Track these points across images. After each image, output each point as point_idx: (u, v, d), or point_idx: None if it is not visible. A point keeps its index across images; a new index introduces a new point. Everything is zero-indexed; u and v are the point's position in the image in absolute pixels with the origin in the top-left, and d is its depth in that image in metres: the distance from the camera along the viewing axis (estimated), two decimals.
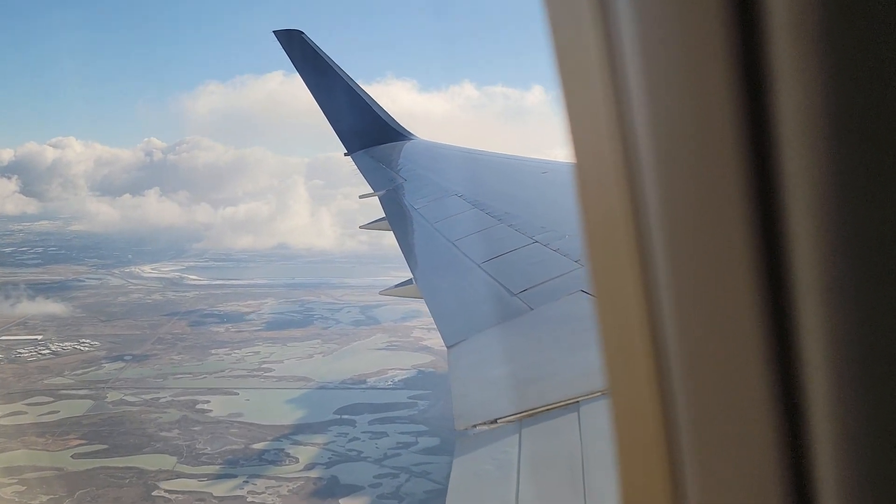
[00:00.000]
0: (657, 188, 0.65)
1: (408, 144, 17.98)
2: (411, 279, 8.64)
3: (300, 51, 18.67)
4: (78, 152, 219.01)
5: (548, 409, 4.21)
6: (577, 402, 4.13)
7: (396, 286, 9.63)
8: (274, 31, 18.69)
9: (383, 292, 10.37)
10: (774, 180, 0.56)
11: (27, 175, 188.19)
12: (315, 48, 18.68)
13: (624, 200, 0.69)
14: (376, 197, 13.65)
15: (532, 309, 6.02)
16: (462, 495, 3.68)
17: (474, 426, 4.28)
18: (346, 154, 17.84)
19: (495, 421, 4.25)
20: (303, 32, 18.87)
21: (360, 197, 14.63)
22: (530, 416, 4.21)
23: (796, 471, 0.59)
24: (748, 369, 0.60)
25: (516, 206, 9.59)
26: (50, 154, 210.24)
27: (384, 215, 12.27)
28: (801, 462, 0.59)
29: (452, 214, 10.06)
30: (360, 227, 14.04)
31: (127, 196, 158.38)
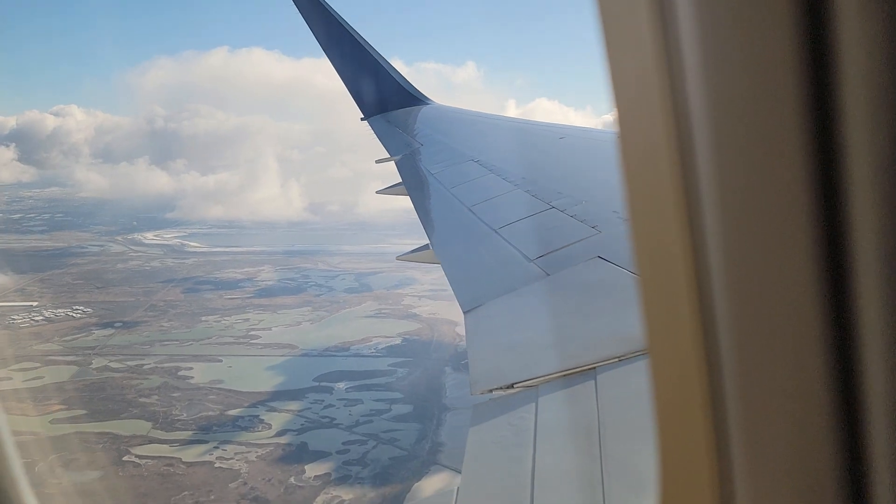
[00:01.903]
0: (712, 176, 0.62)
1: (424, 109, 17.85)
2: (426, 245, 8.64)
3: (316, 14, 18.39)
4: (79, 120, 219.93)
5: (564, 375, 4.19)
6: (594, 367, 4.12)
7: (413, 251, 9.57)
8: None
9: (400, 258, 10.12)
10: (838, 173, 0.54)
11: (29, 143, 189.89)
12: (330, 9, 18.37)
13: (676, 188, 0.67)
14: (390, 162, 13.59)
15: (549, 275, 6.01)
16: (478, 459, 3.67)
17: (490, 391, 4.30)
18: (362, 119, 17.75)
19: (511, 386, 4.26)
20: None
21: (377, 161, 14.47)
22: (547, 382, 4.20)
23: (852, 474, 0.58)
24: (805, 369, 0.59)
25: (533, 172, 9.50)
26: (51, 122, 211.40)
27: (400, 180, 12.17)
28: (857, 465, 0.57)
29: (469, 180, 10.04)
30: (377, 192, 13.90)
31: (127, 163, 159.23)
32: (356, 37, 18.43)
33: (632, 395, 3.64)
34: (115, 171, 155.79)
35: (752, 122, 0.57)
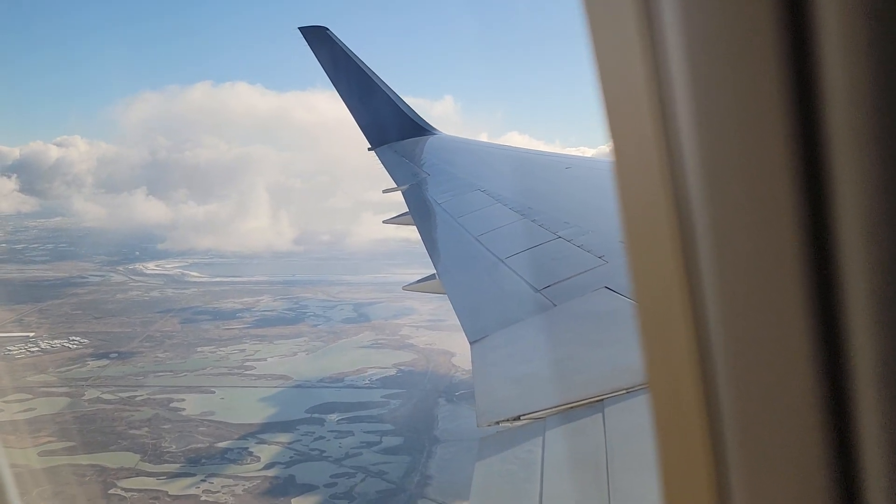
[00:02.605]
0: (701, 186, 0.64)
1: (431, 139, 18.06)
2: (433, 275, 8.67)
3: (324, 47, 18.66)
4: (82, 151, 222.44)
5: (571, 407, 4.16)
6: (602, 399, 4.07)
7: (419, 281, 9.67)
8: (299, 28, 18.76)
9: (406, 287, 10.32)
10: (824, 180, 0.54)
11: (32, 173, 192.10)
12: (339, 43, 18.65)
13: (667, 198, 0.69)
14: (395, 192, 13.81)
15: (556, 305, 5.98)
16: (485, 489, 3.66)
17: (497, 423, 4.28)
18: (369, 149, 17.92)
19: (518, 418, 4.23)
20: (327, 28, 18.87)
21: (384, 191, 14.69)
22: (554, 414, 4.17)
23: (844, 478, 0.58)
24: (796, 374, 0.60)
25: (540, 202, 9.56)
26: (55, 153, 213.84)
27: (406, 210, 12.31)
28: (849, 470, 0.58)
29: (476, 209, 10.08)
30: (384, 222, 14.13)
31: (128, 194, 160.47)
32: (364, 68, 18.73)
33: (640, 427, 3.61)
34: (118, 201, 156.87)
35: (740, 134, 0.59)
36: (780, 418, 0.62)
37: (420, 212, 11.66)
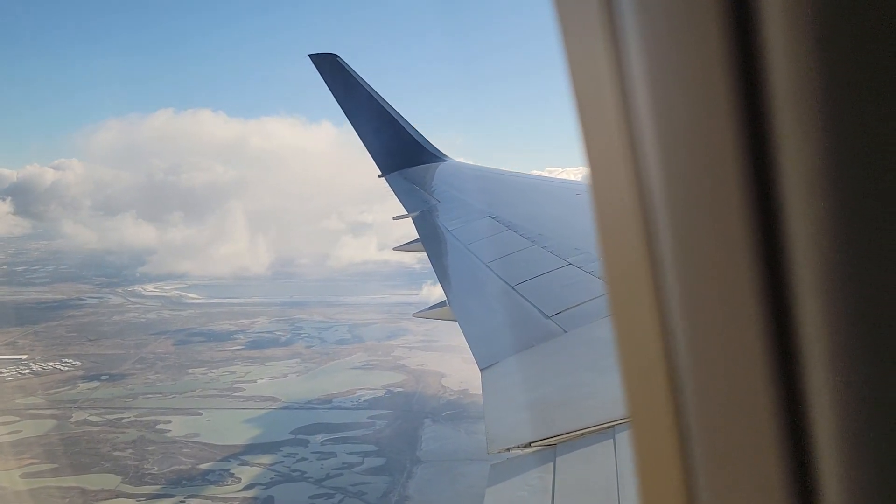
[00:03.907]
0: (662, 192, 0.66)
1: (441, 166, 18.14)
2: (443, 301, 8.66)
3: (334, 73, 18.88)
4: (79, 174, 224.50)
5: (582, 434, 4.15)
6: (613, 426, 4.07)
7: (430, 308, 9.68)
8: (309, 55, 18.95)
9: (417, 315, 10.37)
10: (773, 182, 0.56)
11: (29, 196, 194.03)
12: (350, 70, 18.87)
13: (634, 207, 0.70)
14: (405, 218, 13.77)
15: (566, 332, 5.99)
16: None
17: (507, 449, 4.28)
18: (380, 176, 18.03)
19: (529, 444, 4.24)
20: (337, 56, 19.06)
21: (395, 218, 14.67)
22: (565, 440, 4.16)
23: (801, 474, 0.60)
24: (751, 374, 0.61)
25: (550, 228, 9.61)
26: (51, 175, 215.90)
27: (418, 237, 12.29)
28: (805, 465, 0.59)
29: (486, 236, 10.11)
30: (394, 249, 14.11)
31: (128, 215, 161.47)
32: (374, 95, 18.97)
33: None
34: (117, 223, 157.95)
35: (693, 137, 0.61)
36: (736, 416, 0.64)
37: (430, 239, 11.70)
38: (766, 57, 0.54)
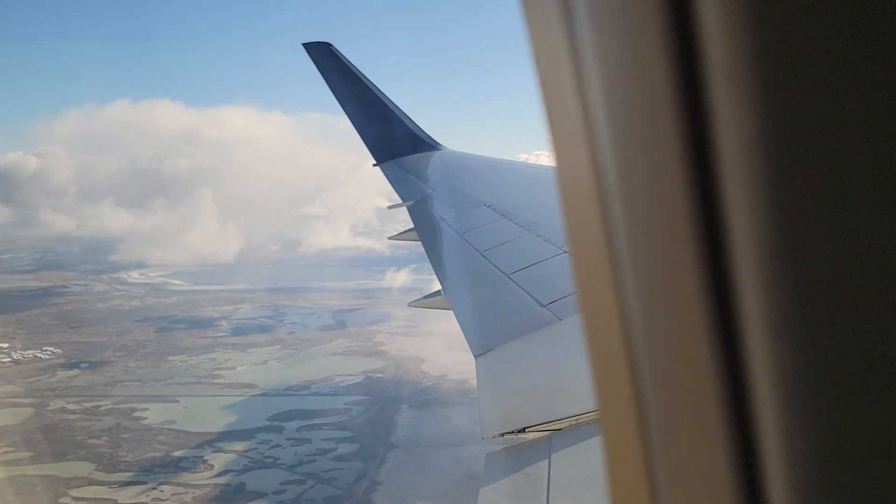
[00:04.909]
0: (615, 186, 0.67)
1: (436, 155, 18.13)
2: (438, 291, 8.74)
3: (329, 62, 18.86)
4: (62, 162, 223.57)
5: (577, 419, 4.18)
6: None
7: (425, 297, 9.71)
8: (303, 44, 18.97)
9: (412, 304, 10.31)
10: (715, 185, 0.56)
11: (10, 184, 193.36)
12: (343, 59, 18.93)
13: (595, 208, 0.71)
14: (396, 207, 13.85)
15: (561, 319, 6.03)
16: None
17: (502, 435, 4.34)
18: (374, 164, 18.10)
19: (524, 430, 4.30)
20: (331, 44, 19.07)
21: (389, 207, 14.74)
22: (559, 426, 4.20)
23: (749, 475, 0.60)
24: (698, 370, 0.62)
25: (545, 217, 9.60)
26: (33, 163, 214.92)
27: (412, 226, 12.30)
28: (752, 466, 0.60)
29: (481, 225, 10.09)
30: (389, 238, 14.11)
31: (113, 202, 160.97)
32: (369, 85, 19.02)
33: None
34: (103, 210, 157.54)
35: (639, 138, 0.62)
36: (687, 411, 0.65)
37: (425, 228, 11.71)
38: (706, 63, 0.55)
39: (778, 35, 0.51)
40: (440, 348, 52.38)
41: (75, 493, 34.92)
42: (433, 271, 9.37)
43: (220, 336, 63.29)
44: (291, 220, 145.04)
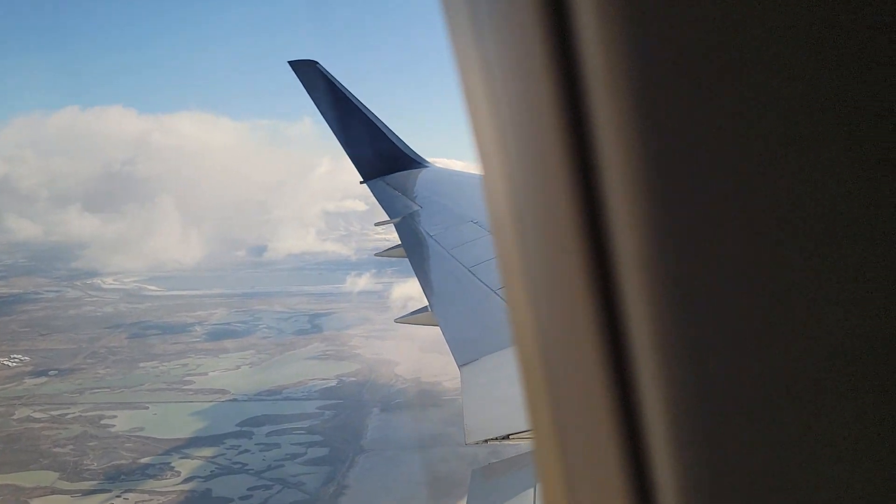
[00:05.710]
0: (511, 193, 0.67)
1: (423, 171, 18.23)
2: (425, 307, 8.78)
3: (315, 80, 18.83)
4: (33, 166, 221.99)
5: None
6: None
7: (412, 314, 9.80)
8: (289, 62, 18.87)
9: (398, 320, 10.37)
10: (598, 191, 0.57)
11: None
12: (330, 77, 18.92)
13: (498, 217, 0.72)
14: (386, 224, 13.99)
15: None
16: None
17: (486, 441, 4.43)
18: (361, 182, 18.19)
19: (507, 437, 4.36)
20: (317, 62, 19.02)
21: (377, 224, 14.90)
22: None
23: (638, 472, 0.61)
24: (589, 373, 0.62)
25: None
26: (2, 167, 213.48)
27: (400, 242, 12.43)
28: (642, 464, 0.61)
29: (468, 240, 10.18)
30: (376, 255, 14.17)
31: (84, 207, 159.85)
32: (355, 102, 18.99)
33: None
34: (73, 215, 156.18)
35: (526, 137, 0.62)
36: (582, 415, 0.66)
37: (412, 244, 11.80)
38: (582, 59, 0.56)
39: (652, 39, 0.51)
40: (415, 352, 52.31)
41: (36, 502, 34.46)
42: (413, 280, 9.49)
43: (193, 341, 62.77)
44: (254, 225, 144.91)
